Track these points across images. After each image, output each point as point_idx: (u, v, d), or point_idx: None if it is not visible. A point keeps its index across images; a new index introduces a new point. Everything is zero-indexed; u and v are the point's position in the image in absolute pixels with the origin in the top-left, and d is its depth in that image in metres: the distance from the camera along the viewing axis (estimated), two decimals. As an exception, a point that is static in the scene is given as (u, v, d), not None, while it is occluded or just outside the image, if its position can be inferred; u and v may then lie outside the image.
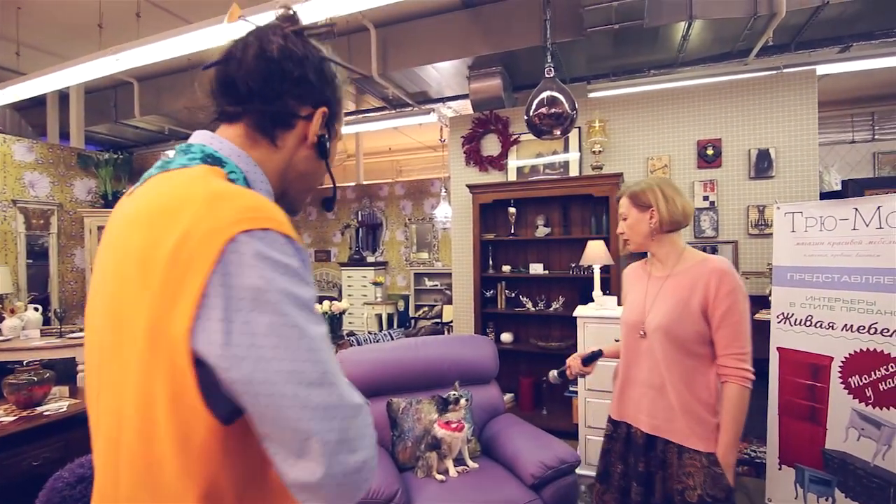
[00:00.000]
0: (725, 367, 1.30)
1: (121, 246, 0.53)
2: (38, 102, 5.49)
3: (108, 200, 4.97)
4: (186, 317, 0.46)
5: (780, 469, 2.32)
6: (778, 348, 2.35)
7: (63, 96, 5.39)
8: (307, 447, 0.48)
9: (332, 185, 0.74)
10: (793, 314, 2.33)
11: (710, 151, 3.40)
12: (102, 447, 0.54)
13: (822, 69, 3.51)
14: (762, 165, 3.28)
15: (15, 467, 2.55)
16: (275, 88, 0.62)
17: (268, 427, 0.48)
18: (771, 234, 2.83)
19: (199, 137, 0.62)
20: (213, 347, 0.46)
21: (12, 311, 3.80)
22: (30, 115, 5.83)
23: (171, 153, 0.64)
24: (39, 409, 2.83)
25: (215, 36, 2.90)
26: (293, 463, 0.48)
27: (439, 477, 1.96)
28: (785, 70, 3.47)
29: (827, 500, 2.18)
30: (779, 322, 2.36)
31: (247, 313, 0.47)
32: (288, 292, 0.49)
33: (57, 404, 2.92)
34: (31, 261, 4.54)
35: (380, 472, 1.79)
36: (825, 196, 3.34)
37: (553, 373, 1.69)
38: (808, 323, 2.29)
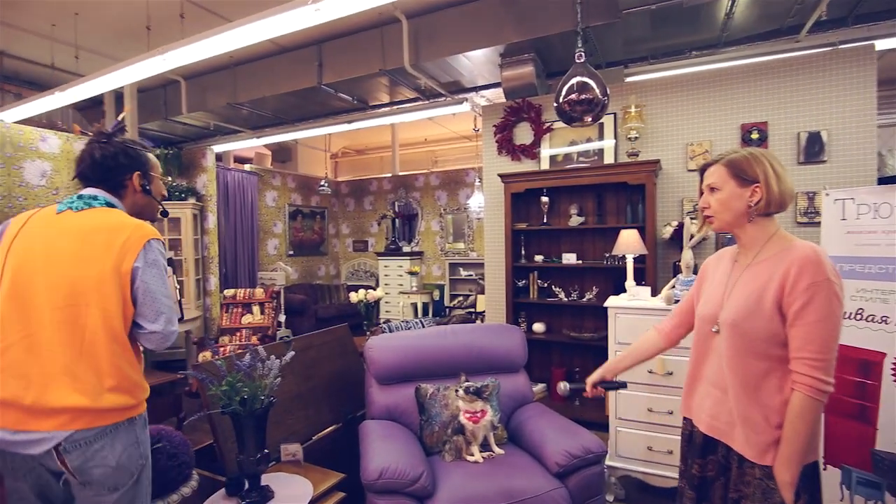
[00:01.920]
0: (794, 372, 1.13)
1: (83, 240, 1.25)
2: (97, 102, 5.86)
3: (160, 193, 5.27)
4: (130, 263, 1.25)
5: (824, 469, 2.22)
6: (824, 342, 2.23)
7: (118, 96, 5.72)
8: (159, 317, 1.28)
9: (162, 207, 1.53)
10: (841, 307, 2.20)
11: (754, 135, 3.23)
12: (57, 322, 1.22)
13: (883, 44, 3.25)
14: (813, 149, 3.09)
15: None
16: (106, 173, 1.36)
17: (146, 308, 1.27)
18: (820, 222, 2.67)
19: (94, 192, 1.34)
20: (141, 274, 1.26)
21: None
22: (89, 114, 6.23)
23: (81, 195, 1.34)
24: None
25: (254, 32, 3.01)
26: (152, 323, 1.27)
27: (471, 458, 2.00)
28: (841, 46, 3.23)
29: (875, 503, 2.06)
30: (825, 315, 2.23)
31: (150, 266, 1.27)
32: (162, 264, 1.31)
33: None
34: (92, 250, 4.89)
35: (406, 456, 1.85)
36: (884, 181, 3.11)
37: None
38: (858, 317, 2.16)
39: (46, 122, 5.11)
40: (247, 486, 1.64)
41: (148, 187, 1.42)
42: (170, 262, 1.38)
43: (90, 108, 6.12)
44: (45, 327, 1.20)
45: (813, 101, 3.09)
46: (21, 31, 4.41)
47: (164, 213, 1.55)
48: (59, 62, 4.83)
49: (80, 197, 1.32)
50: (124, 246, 1.25)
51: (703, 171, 1.35)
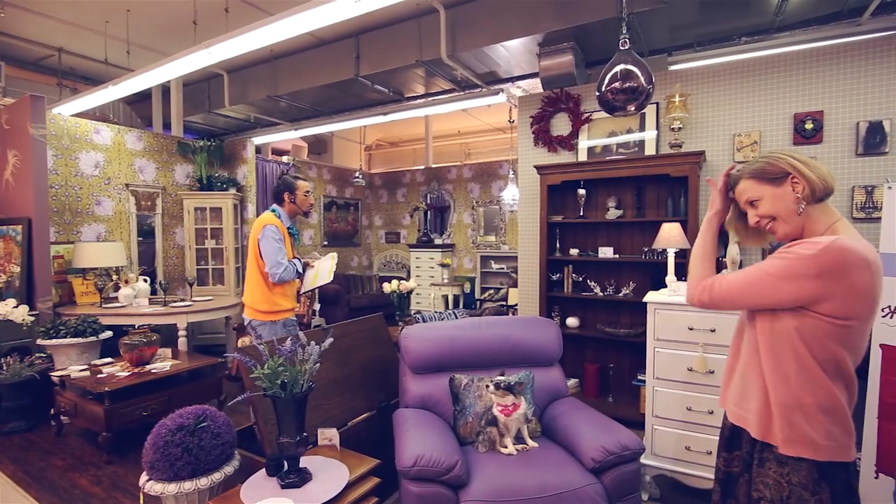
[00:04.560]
0: None
1: (254, 226, 2.78)
2: (145, 96, 6.11)
3: (203, 184, 5.45)
4: (257, 236, 2.71)
5: (876, 478, 2.11)
6: (881, 345, 2.11)
7: (165, 90, 5.95)
8: (269, 266, 2.66)
9: (304, 211, 2.90)
10: (902, 307, 2.07)
11: (808, 125, 3.06)
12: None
13: (957, 26, 3.01)
14: (873, 140, 2.90)
15: (129, 415, 2.94)
16: (276, 194, 2.86)
17: (265, 260, 2.68)
18: (880, 217, 2.52)
19: (272, 204, 2.89)
20: (260, 243, 2.70)
21: (126, 282, 4.33)
22: (138, 107, 6.51)
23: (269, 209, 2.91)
24: (148, 367, 3.22)
25: (295, 25, 3.06)
26: (267, 269, 2.67)
27: (504, 450, 1.99)
28: (908, 29, 3.01)
29: (934, 515, 1.94)
30: (884, 316, 2.11)
31: (263, 238, 2.69)
32: (273, 237, 2.68)
33: (162, 363, 3.30)
34: (140, 238, 5.12)
35: (440, 444, 1.86)
36: (954, 174, 2.89)
37: None
38: (921, 318, 2.03)
39: (99, 115, 5.36)
40: (286, 467, 1.69)
41: (294, 200, 2.81)
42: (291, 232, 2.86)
43: (139, 102, 6.39)
44: (247, 270, 2.76)
45: (875, 88, 2.90)
46: (78, 27, 4.63)
47: (306, 214, 2.90)
48: (112, 58, 5.06)
49: (267, 207, 2.80)
50: (256, 228, 2.70)
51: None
